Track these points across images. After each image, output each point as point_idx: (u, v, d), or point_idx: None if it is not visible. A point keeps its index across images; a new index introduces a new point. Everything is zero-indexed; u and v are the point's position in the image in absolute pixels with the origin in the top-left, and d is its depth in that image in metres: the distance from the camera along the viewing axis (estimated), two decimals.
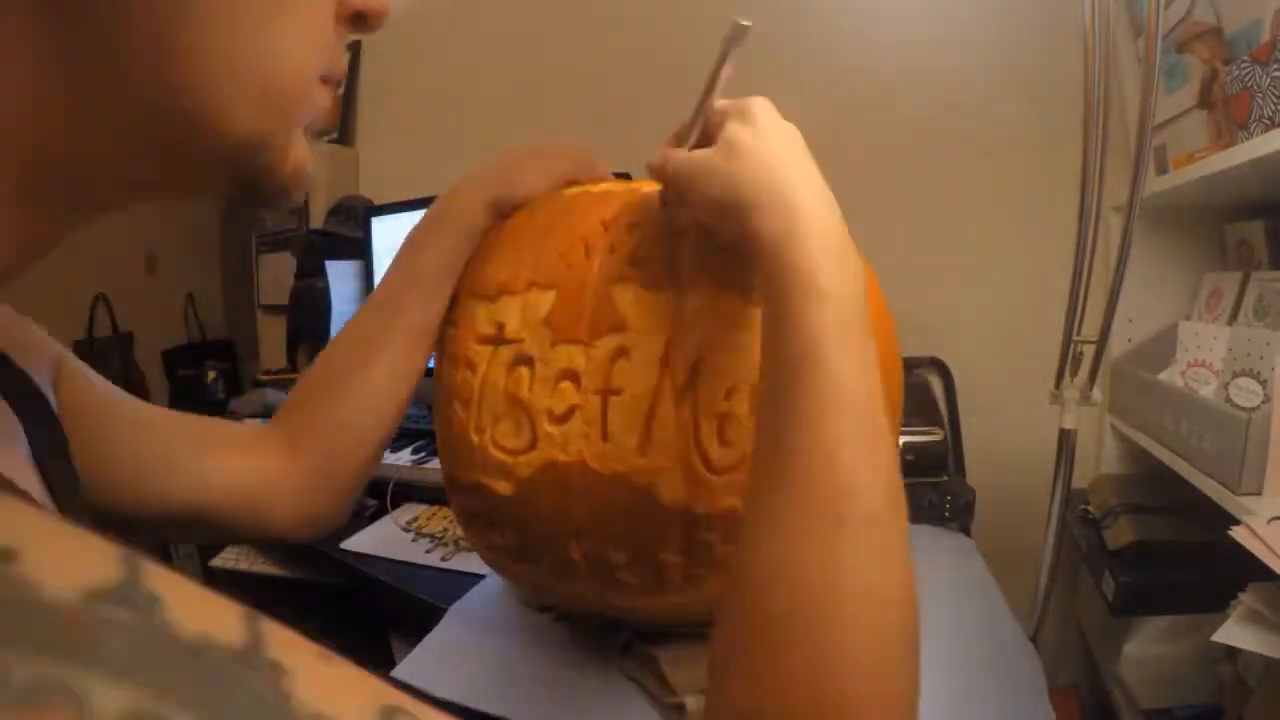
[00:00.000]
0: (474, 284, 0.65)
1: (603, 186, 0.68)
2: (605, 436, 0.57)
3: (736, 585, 0.38)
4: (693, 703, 0.59)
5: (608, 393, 0.57)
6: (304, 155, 0.36)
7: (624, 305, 0.57)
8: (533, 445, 0.59)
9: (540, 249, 0.62)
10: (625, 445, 0.56)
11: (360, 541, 1.12)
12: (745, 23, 0.47)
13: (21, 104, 0.27)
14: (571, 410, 0.58)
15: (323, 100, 0.36)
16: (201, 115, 0.30)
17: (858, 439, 0.38)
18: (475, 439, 0.62)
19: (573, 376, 0.58)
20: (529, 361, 0.59)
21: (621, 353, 0.57)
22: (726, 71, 0.51)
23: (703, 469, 0.56)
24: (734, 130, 0.47)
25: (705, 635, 0.66)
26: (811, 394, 0.38)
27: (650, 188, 0.66)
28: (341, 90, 2.29)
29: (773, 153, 0.46)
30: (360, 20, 0.37)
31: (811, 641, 0.35)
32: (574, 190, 0.69)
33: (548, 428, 0.58)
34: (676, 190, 0.52)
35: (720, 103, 0.50)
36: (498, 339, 0.61)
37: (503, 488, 0.61)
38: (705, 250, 0.58)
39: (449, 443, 0.65)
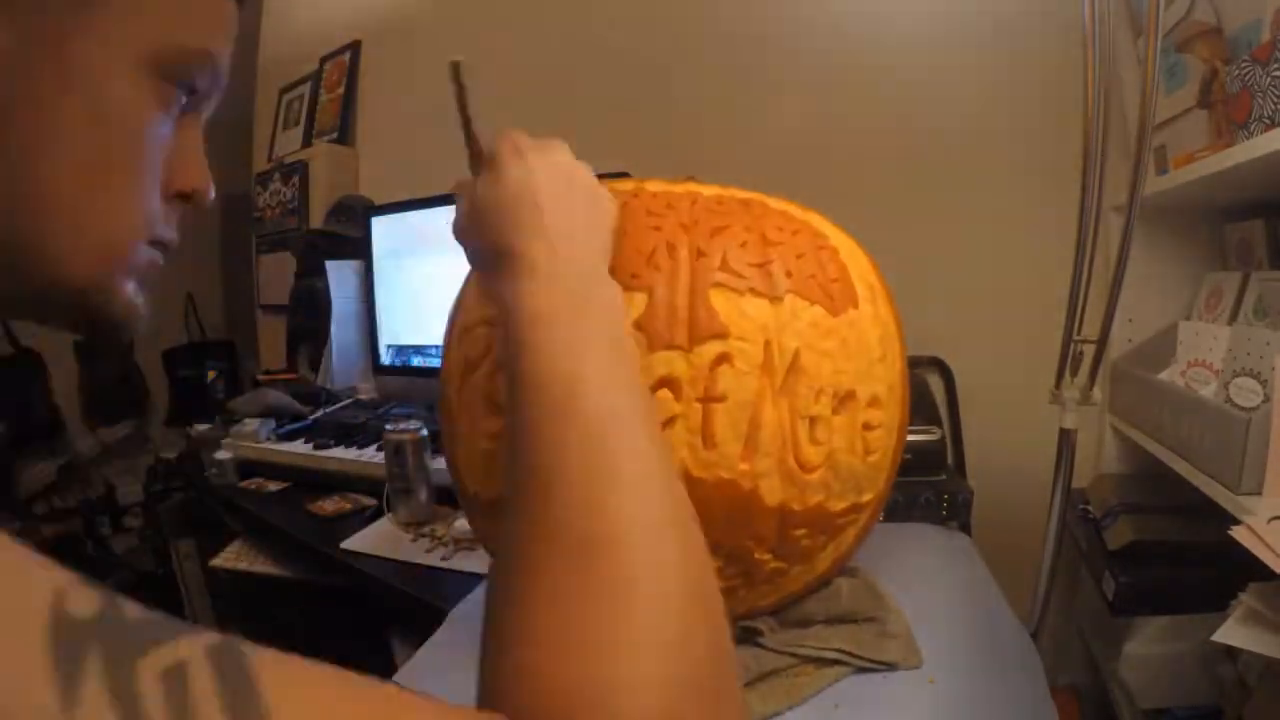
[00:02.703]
0: None
1: (652, 188, 0.65)
2: (710, 444, 0.56)
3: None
4: None
5: (710, 400, 0.56)
6: (134, 300, 0.42)
7: (724, 311, 0.57)
8: None
9: (621, 247, 0.59)
10: (730, 451, 0.57)
11: (359, 541, 1.12)
12: (457, 59, 0.51)
13: None
14: (672, 419, 0.56)
15: (149, 259, 0.42)
16: (40, 262, 0.37)
17: (567, 446, 0.36)
18: None
19: (672, 384, 0.57)
20: None
21: (724, 359, 0.57)
22: (470, 107, 0.53)
23: (797, 469, 0.59)
24: (506, 163, 0.49)
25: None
26: (526, 404, 0.39)
27: (711, 190, 0.66)
28: (343, 90, 2.29)
29: (517, 195, 0.47)
30: (185, 199, 0.43)
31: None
32: (628, 185, 0.66)
33: None
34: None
35: (487, 134, 0.52)
36: None
37: None
38: (786, 261, 0.60)
39: (495, 460, 0.61)
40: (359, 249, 1.80)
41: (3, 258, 0.36)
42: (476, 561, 0.99)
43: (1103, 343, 0.96)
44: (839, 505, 0.62)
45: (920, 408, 1.13)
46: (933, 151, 1.36)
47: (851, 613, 0.70)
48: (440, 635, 0.76)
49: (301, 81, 2.51)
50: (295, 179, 2.27)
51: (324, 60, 2.41)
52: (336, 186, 2.17)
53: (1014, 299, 1.32)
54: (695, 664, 0.31)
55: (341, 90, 2.30)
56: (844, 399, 0.60)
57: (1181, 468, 0.91)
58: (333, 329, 1.81)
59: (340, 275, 1.81)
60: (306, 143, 2.41)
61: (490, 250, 0.47)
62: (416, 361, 1.66)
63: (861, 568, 0.78)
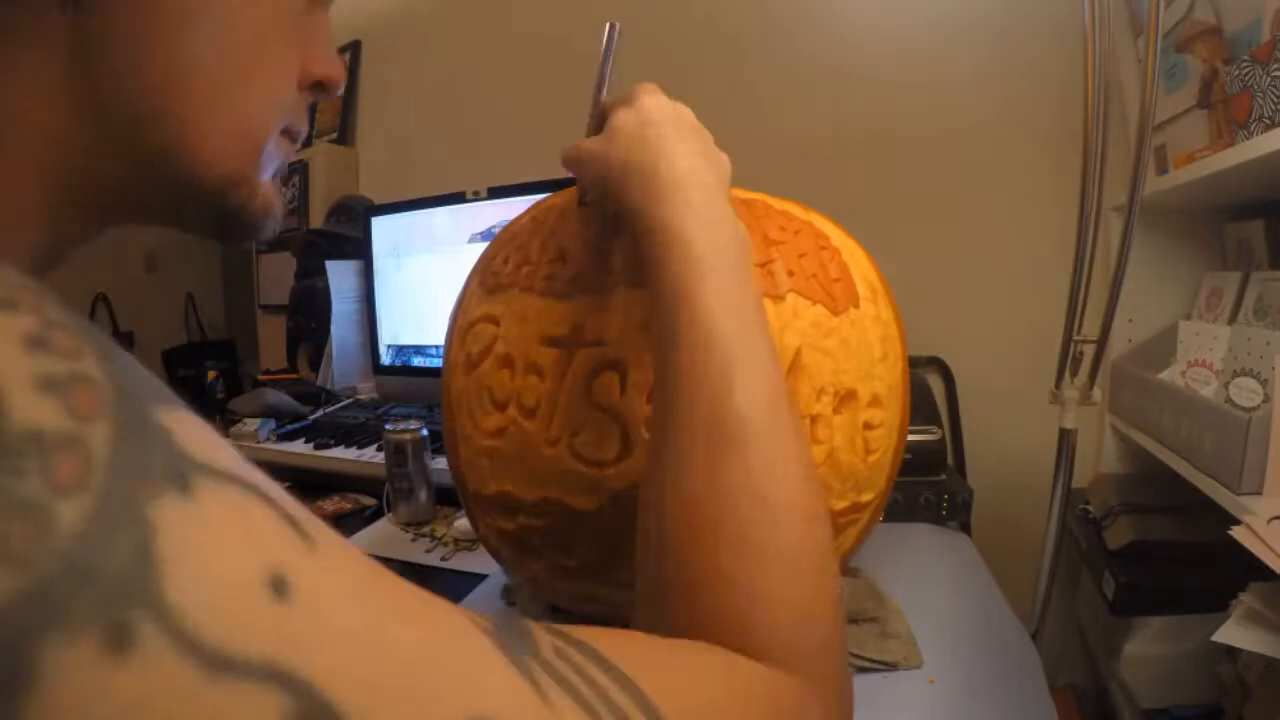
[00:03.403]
0: (528, 279, 0.61)
1: None
2: None
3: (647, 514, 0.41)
4: None
5: None
6: (272, 195, 0.41)
7: None
8: (625, 455, 0.56)
9: (615, 247, 0.59)
10: None
11: (359, 541, 1.12)
12: (615, 23, 0.56)
13: (49, 115, 0.31)
14: None
15: (284, 151, 0.41)
16: (181, 147, 0.34)
17: (730, 368, 0.40)
18: (548, 451, 0.58)
19: None
20: (617, 366, 0.56)
21: None
22: (609, 68, 0.56)
23: None
24: (615, 116, 0.51)
25: None
26: (684, 335, 0.41)
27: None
28: (341, 92, 2.29)
29: (642, 131, 0.49)
30: (320, 88, 0.43)
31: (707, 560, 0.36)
32: None
33: (647, 436, 0.55)
34: (579, 178, 0.57)
35: (611, 98, 0.54)
36: (574, 341, 0.57)
37: (584, 503, 0.57)
38: (787, 260, 0.60)
39: (496, 457, 0.61)
40: (359, 249, 1.80)
41: (143, 154, 0.34)
42: (476, 561, 0.99)
43: (1102, 343, 0.96)
44: (840, 505, 0.62)
45: (920, 408, 1.13)
46: (933, 151, 1.36)
47: (852, 613, 0.71)
48: None
49: None
50: (295, 179, 2.27)
51: None
52: (336, 187, 2.17)
53: (1015, 299, 1.33)
54: (813, 584, 0.37)
55: (341, 92, 2.30)
56: (845, 398, 0.61)
57: (1182, 468, 0.91)
58: (333, 329, 1.81)
59: (340, 275, 1.81)
60: (306, 143, 2.41)
61: (633, 213, 0.47)
62: (416, 361, 1.66)
63: (862, 568, 0.78)
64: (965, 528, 1.07)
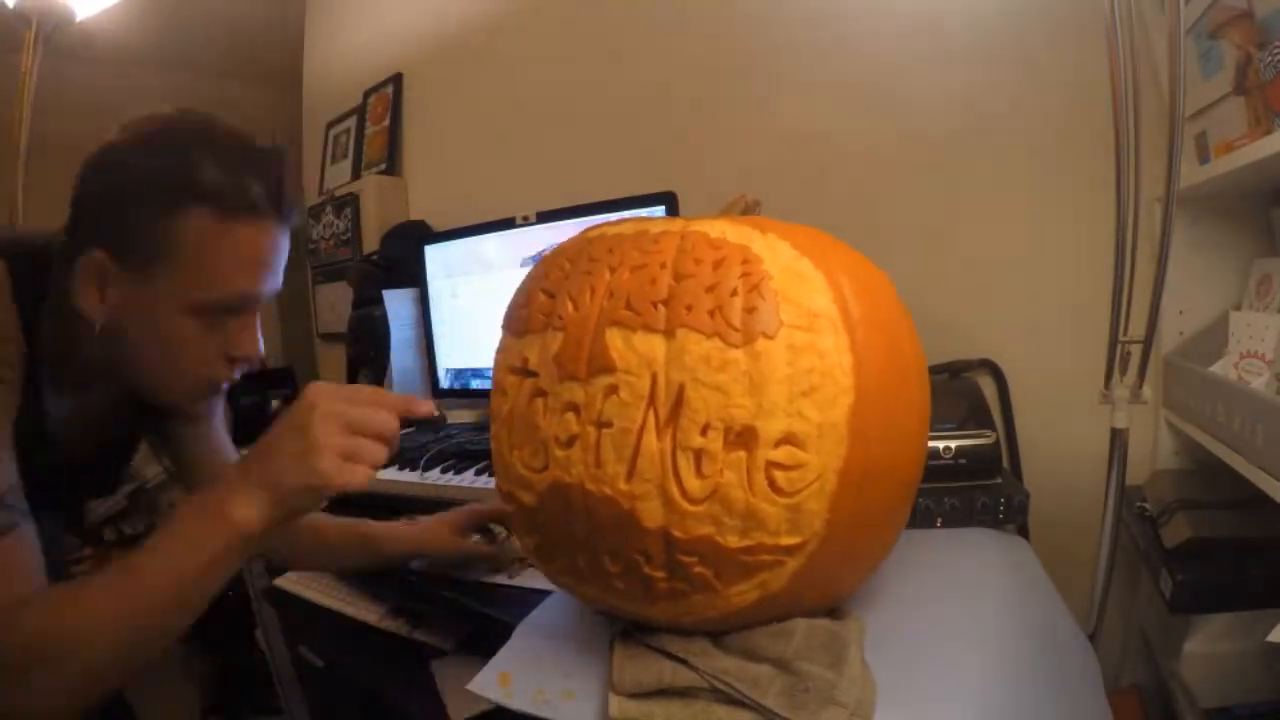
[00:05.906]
0: (511, 320, 0.76)
1: (617, 229, 0.73)
2: (598, 463, 0.64)
3: None
4: (615, 706, 0.63)
5: (601, 425, 0.64)
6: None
7: (614, 348, 0.64)
8: (545, 466, 0.68)
9: (560, 291, 0.70)
10: (614, 472, 0.63)
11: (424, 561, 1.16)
12: None
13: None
14: (573, 438, 0.65)
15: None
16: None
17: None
18: (508, 455, 0.72)
19: (574, 409, 0.65)
20: (543, 394, 0.68)
21: (612, 390, 0.63)
22: None
23: (680, 498, 0.61)
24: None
25: (693, 632, 0.68)
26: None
27: (660, 228, 0.70)
28: (388, 122, 2.37)
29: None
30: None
31: None
32: (594, 232, 0.75)
33: (556, 452, 0.67)
34: None
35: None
36: (523, 371, 0.71)
37: (527, 499, 0.71)
38: (688, 295, 0.63)
39: (494, 455, 0.77)
40: (414, 276, 1.86)
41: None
42: (544, 578, 1.02)
43: (1149, 340, 0.96)
44: (738, 542, 0.61)
45: (973, 410, 1.13)
46: (972, 151, 1.34)
47: (798, 659, 0.64)
48: (509, 648, 0.79)
49: (347, 115, 2.60)
50: (347, 211, 2.35)
51: (367, 94, 2.49)
52: (387, 216, 2.25)
53: (1064, 297, 1.30)
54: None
55: (387, 123, 2.38)
56: (741, 434, 0.60)
57: (1236, 462, 0.90)
58: (393, 355, 1.87)
59: (397, 303, 1.87)
60: (356, 175, 2.49)
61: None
62: (475, 384, 1.71)
63: (854, 613, 0.73)
64: (1023, 531, 1.06)
